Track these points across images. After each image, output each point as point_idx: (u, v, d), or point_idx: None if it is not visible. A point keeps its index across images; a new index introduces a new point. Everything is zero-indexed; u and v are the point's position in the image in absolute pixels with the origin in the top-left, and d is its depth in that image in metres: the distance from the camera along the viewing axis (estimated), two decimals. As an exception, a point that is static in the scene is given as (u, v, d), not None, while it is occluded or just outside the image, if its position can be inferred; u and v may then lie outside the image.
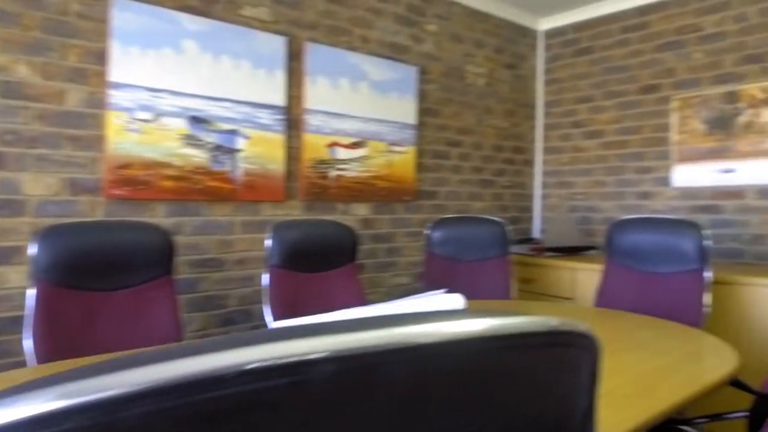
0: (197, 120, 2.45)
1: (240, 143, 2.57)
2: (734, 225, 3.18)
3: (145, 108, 2.30)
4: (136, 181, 2.29)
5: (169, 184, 2.37)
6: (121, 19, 2.24)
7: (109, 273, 1.78)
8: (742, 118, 3.14)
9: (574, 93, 3.98)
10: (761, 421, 1.60)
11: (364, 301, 2.23)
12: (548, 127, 4.14)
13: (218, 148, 2.51)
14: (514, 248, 3.60)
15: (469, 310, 0.39)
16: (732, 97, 3.19)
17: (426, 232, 2.85)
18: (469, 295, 2.73)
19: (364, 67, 3.06)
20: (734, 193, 3.18)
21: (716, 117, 3.25)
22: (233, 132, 2.55)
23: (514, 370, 0.39)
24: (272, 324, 2.00)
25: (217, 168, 2.51)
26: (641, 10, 3.62)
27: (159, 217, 2.37)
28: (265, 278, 2.06)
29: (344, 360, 0.27)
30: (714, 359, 1.54)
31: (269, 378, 0.26)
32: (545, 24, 4.14)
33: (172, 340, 1.86)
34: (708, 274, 2.26)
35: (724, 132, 3.21)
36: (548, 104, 4.14)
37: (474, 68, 3.69)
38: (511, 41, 3.95)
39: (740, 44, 3.17)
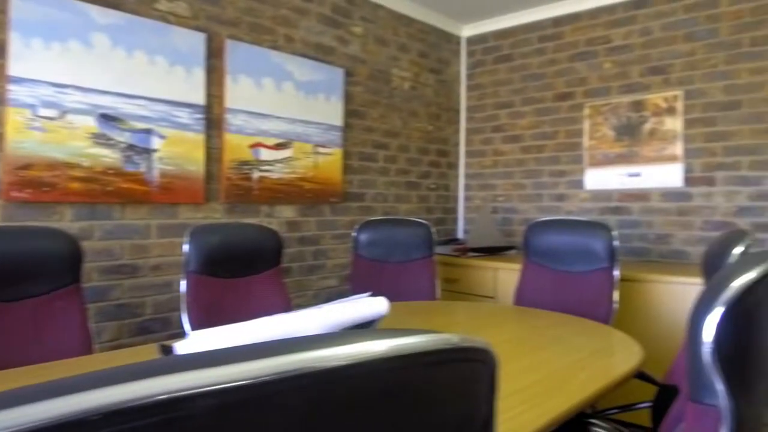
0: (108, 118, 2.31)
1: (156, 143, 2.45)
2: (640, 225, 3.41)
3: (49, 105, 2.15)
4: (40, 182, 2.13)
5: (76, 185, 2.22)
6: (21, 9, 2.07)
7: (9, 282, 1.64)
8: (647, 126, 3.37)
9: (495, 99, 4.12)
10: (664, 410, 1.72)
11: (289, 306, 2.19)
12: (471, 131, 4.26)
13: (131, 147, 2.38)
14: (439, 249, 3.67)
15: (369, 331, 0.39)
16: (638, 106, 3.41)
17: (353, 234, 2.85)
18: (395, 297, 2.75)
19: (289, 67, 3.01)
20: (640, 195, 3.41)
21: (624, 124, 3.46)
22: (148, 131, 2.43)
23: (416, 388, 0.39)
24: (190, 332, 1.92)
25: (130, 169, 2.38)
26: (556, 21, 3.80)
27: (66, 221, 2.22)
28: (183, 285, 1.97)
29: (227, 393, 0.25)
30: (621, 354, 1.64)
31: (141, 418, 0.24)
32: (468, 31, 4.25)
33: (80, 353, 1.74)
34: (616, 273, 2.41)
35: (631, 138, 3.43)
36: (471, 109, 4.26)
37: (399, 72, 3.73)
38: (435, 46, 4.02)
39: (645, 56, 3.40)
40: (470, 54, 4.27)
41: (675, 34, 3.29)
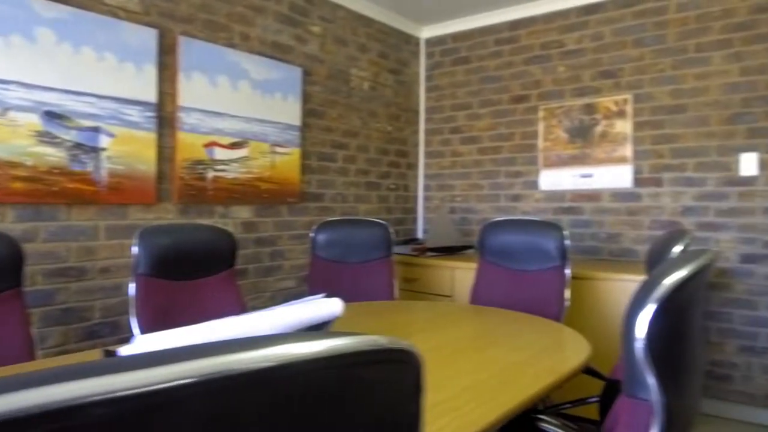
0: (53, 115, 2.22)
1: (104, 141, 2.38)
2: (592, 225, 3.51)
3: (-12, 100, 2.05)
4: (-22, 182, 2.03)
5: (19, 185, 2.13)
6: (-44, -2, 1.97)
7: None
8: (599, 128, 3.47)
9: (453, 100, 4.16)
10: (610, 404, 1.77)
11: (243, 309, 2.15)
12: (429, 132, 4.29)
13: (78, 146, 2.30)
14: (398, 249, 3.68)
15: (294, 333, 0.39)
16: (590, 109, 3.51)
17: (310, 234, 2.83)
18: (353, 297, 2.75)
19: (245, 66, 2.97)
20: (592, 195, 3.51)
21: (576, 126, 3.56)
22: (96, 129, 2.35)
23: (342, 389, 0.39)
24: (139, 336, 1.86)
25: (77, 168, 2.29)
26: (512, 25, 3.87)
27: (7, 222, 2.12)
28: (132, 288, 1.92)
29: (121, 402, 0.24)
30: (570, 350, 1.68)
31: (28, 427, 0.23)
32: (427, 32, 4.28)
33: (21, 359, 1.67)
34: (568, 271, 2.47)
35: (583, 140, 3.53)
36: (429, 110, 4.29)
37: (358, 72, 3.72)
38: (394, 47, 4.04)
39: (597, 61, 3.50)
40: (429, 55, 4.30)
41: (625, 40, 3.40)
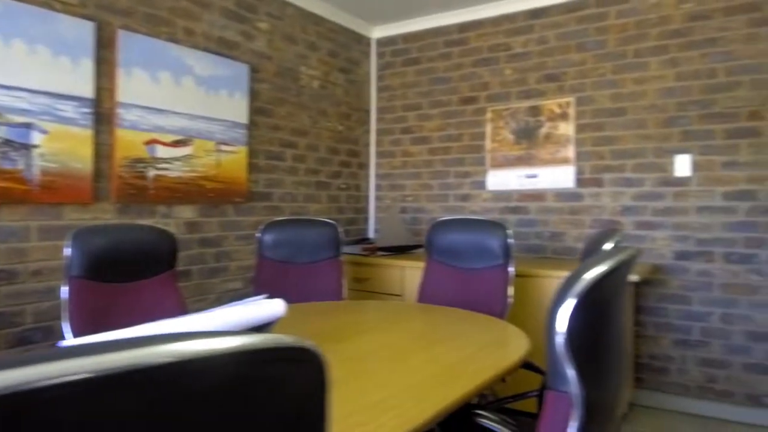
0: (-21, 110, 2.10)
1: (36, 138, 2.27)
2: (537, 224, 3.60)
3: None
4: None
5: (-60, 184, 2.00)
6: None
7: None
8: (543, 130, 3.56)
9: (404, 100, 4.19)
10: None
11: (183, 311, 2.10)
12: (381, 132, 4.30)
13: (8, 143, 2.19)
14: (348, 249, 3.67)
15: (204, 331, 0.38)
16: (535, 111, 3.60)
17: (257, 235, 2.79)
18: (301, 298, 2.72)
19: (189, 61, 2.90)
20: (537, 195, 3.60)
21: (522, 128, 3.64)
22: (27, 125, 2.24)
23: (245, 386, 0.39)
24: (66, 341, 1.79)
25: (7, 166, 2.18)
26: (461, 27, 3.92)
27: (-74, 223, 1.99)
28: (65, 291, 1.84)
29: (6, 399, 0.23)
30: (511, 346, 1.71)
31: None
32: (378, 32, 4.29)
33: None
34: (511, 269, 2.52)
35: (528, 141, 3.61)
36: (381, 110, 4.30)
37: (308, 70, 3.69)
38: (345, 46, 4.03)
39: (542, 64, 3.60)
40: (380, 55, 4.31)
41: (568, 44, 3.50)
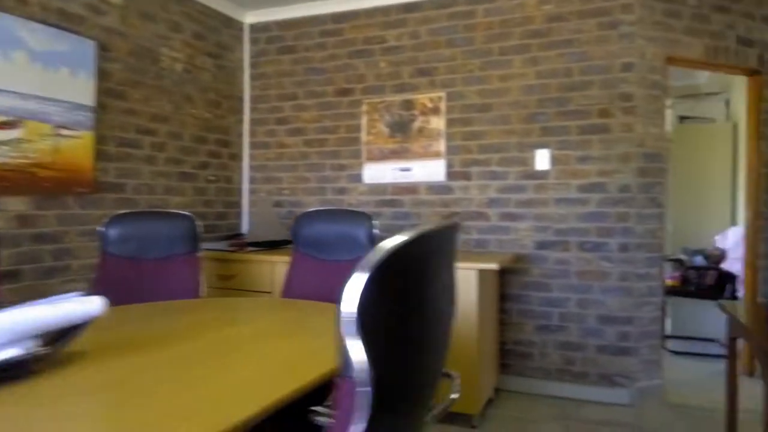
0: None
1: None
2: (411, 217, 3.61)
3: None
4: None
5: None
6: None
7: None
8: (416, 124, 3.58)
9: (279, 90, 4.03)
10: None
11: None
12: (255, 122, 4.11)
13: None
14: (214, 244, 3.46)
15: None
16: (409, 105, 3.60)
17: (99, 229, 2.50)
18: (153, 296, 2.48)
19: (21, 33, 2.54)
20: (410, 188, 3.61)
21: (396, 121, 3.63)
22: None
23: None
24: None
25: None
26: (336, 17, 3.84)
27: None
28: None
29: None
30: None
31: None
32: (251, 18, 4.09)
33: None
34: (376, 260, 2.47)
35: (402, 135, 3.61)
36: (255, 99, 4.11)
37: (170, 52, 3.42)
38: (213, 30, 3.79)
39: (414, 58, 3.61)
40: (254, 42, 4.11)
41: (439, 39, 3.54)
